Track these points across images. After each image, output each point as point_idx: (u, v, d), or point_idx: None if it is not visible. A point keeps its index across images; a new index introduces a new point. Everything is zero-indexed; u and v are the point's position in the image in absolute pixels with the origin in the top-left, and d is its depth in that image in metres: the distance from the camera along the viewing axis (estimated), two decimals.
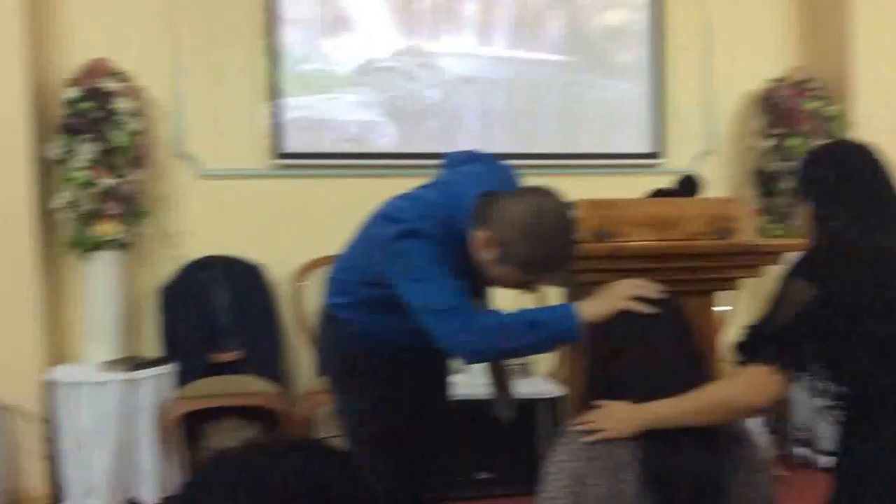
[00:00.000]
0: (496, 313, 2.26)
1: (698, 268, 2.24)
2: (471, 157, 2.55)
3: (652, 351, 1.98)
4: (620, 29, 4.73)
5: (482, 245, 2.16)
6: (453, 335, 2.16)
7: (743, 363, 1.91)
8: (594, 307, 2.09)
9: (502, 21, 4.58)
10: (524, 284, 2.26)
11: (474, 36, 4.56)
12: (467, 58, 4.56)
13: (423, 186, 2.40)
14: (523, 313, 2.18)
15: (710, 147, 4.80)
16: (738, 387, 1.92)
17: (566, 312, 2.13)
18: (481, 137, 4.54)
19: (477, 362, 2.46)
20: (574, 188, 4.30)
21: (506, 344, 2.18)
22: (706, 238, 2.23)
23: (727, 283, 2.33)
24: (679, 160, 4.69)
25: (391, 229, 2.21)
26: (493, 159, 2.53)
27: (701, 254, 2.23)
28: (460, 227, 2.20)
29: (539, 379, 4.09)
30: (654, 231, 2.23)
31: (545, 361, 4.13)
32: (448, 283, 2.16)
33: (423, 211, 2.23)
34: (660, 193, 2.38)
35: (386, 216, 2.28)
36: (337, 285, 2.48)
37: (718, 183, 4.66)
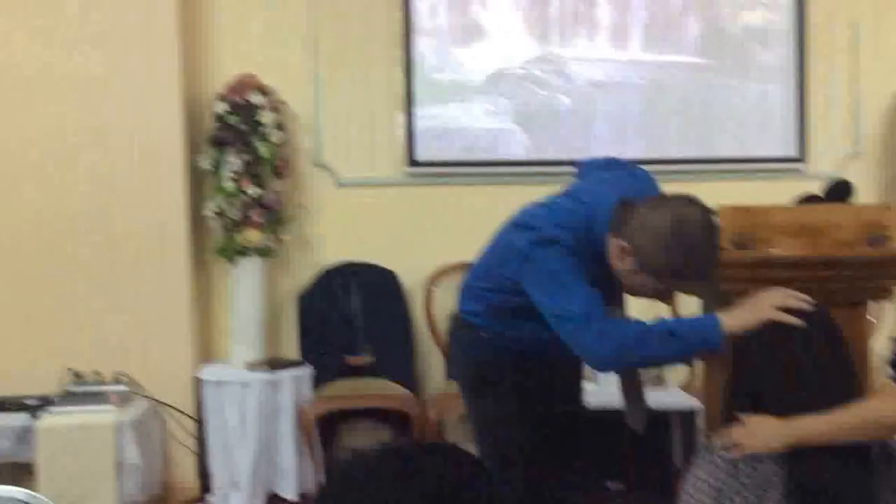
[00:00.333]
0: (633, 322, 2.23)
1: (849, 277, 2.14)
2: (608, 164, 2.54)
3: (799, 364, 1.92)
4: (761, 29, 4.58)
5: (619, 254, 2.15)
6: (587, 343, 2.15)
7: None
8: (738, 317, 2.04)
9: (636, 24, 4.51)
10: (661, 294, 2.23)
11: (607, 40, 4.51)
12: (600, 63, 4.51)
13: (559, 194, 2.39)
14: (663, 322, 2.16)
15: (856, 150, 4.59)
16: (890, 404, 1.84)
17: (709, 322, 2.09)
18: (614, 143, 4.47)
19: (612, 370, 2.43)
20: (712, 194, 4.20)
21: (643, 353, 2.15)
22: (858, 246, 2.13)
23: (880, 294, 2.22)
24: (823, 164, 4.50)
25: (526, 237, 2.22)
26: (631, 165, 2.52)
27: (852, 263, 2.13)
28: (597, 235, 2.19)
29: (673, 389, 4.00)
30: (801, 239, 2.14)
31: (679, 372, 4.05)
32: (582, 290, 2.15)
33: (559, 219, 2.22)
34: (807, 199, 2.29)
35: (521, 224, 2.29)
36: (470, 292, 2.50)
37: (865, 187, 4.43)
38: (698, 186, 4.26)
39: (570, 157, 4.34)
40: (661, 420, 3.75)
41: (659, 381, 3.95)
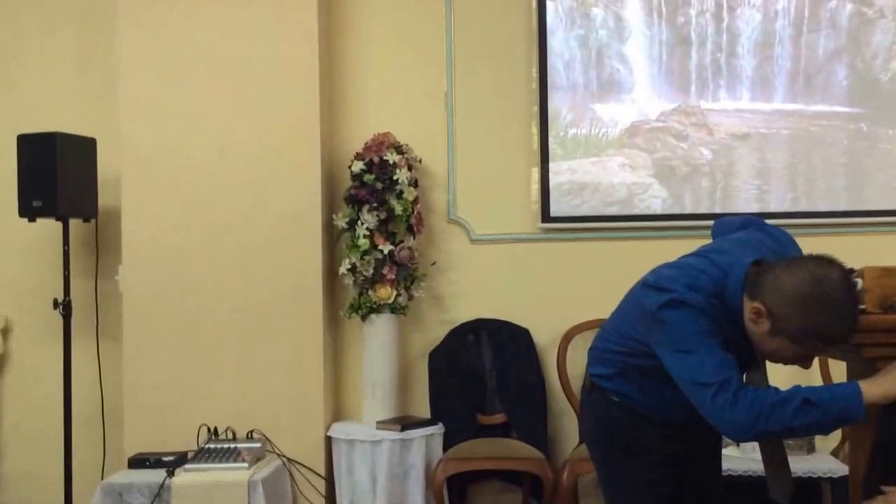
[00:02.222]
0: (769, 389, 2.11)
1: None
2: (744, 223, 2.46)
3: None
4: None
5: (754, 316, 2.06)
6: (720, 411, 2.05)
7: None
8: (882, 386, 1.95)
9: (780, 74, 4.37)
10: (799, 359, 2.10)
11: (749, 91, 4.38)
12: (741, 114, 4.38)
13: (693, 254, 2.31)
14: (801, 390, 2.03)
15: None
16: None
17: (850, 391, 1.98)
18: (757, 197, 4.35)
19: (747, 440, 2.29)
20: (861, 249, 4.10)
21: (779, 423, 2.03)
22: None
23: None
24: None
25: (657, 299, 2.14)
26: (767, 225, 2.42)
27: None
28: (731, 297, 2.11)
29: (822, 455, 3.75)
30: None
31: (830, 436, 3.79)
32: (716, 355, 2.06)
33: (692, 280, 2.14)
34: None
35: (652, 285, 2.21)
36: (600, 355, 2.44)
37: None
38: (847, 240, 4.18)
39: (709, 211, 4.28)
40: (809, 488, 3.51)
41: (808, 447, 3.72)
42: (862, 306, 2.04)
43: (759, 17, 4.38)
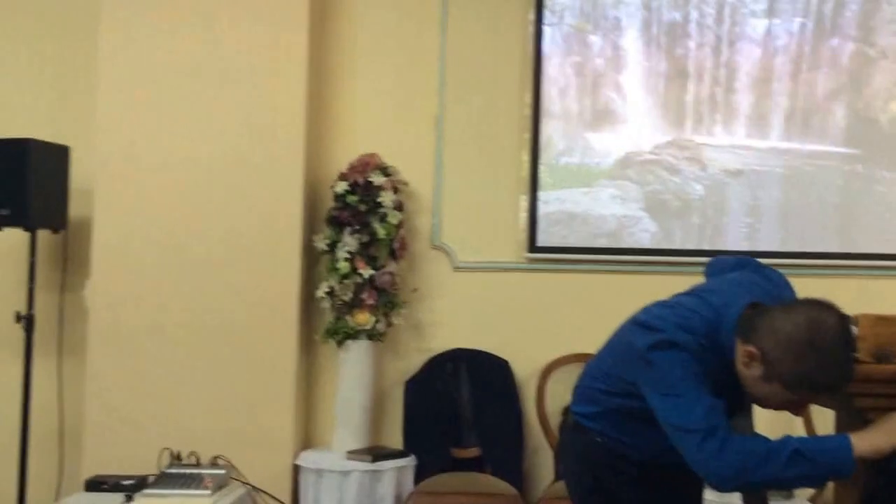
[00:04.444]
0: (757, 439, 2.03)
1: None
2: (739, 263, 2.41)
3: None
4: None
5: (746, 360, 1.99)
6: (706, 459, 1.98)
7: None
8: (872, 440, 1.89)
9: (777, 111, 4.29)
10: (791, 405, 2.04)
11: (744, 127, 4.30)
12: (736, 150, 4.30)
13: (686, 293, 2.25)
14: (790, 441, 1.96)
15: None
16: None
17: (840, 444, 1.91)
18: (747, 235, 4.26)
19: (731, 490, 2.19)
20: (854, 293, 4.01)
21: (766, 475, 1.96)
22: None
23: None
24: None
25: (646, 338, 2.08)
26: (763, 267, 2.37)
27: None
28: (724, 340, 2.04)
29: (801, 502, 3.64)
30: None
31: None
32: (704, 401, 1.99)
33: (683, 321, 2.07)
34: None
35: (642, 323, 2.14)
36: (585, 393, 2.37)
37: None
38: (838, 283, 4.08)
39: (699, 247, 4.19)
40: None
41: (786, 492, 3.62)
42: (856, 354, 1.95)
43: (759, 53, 4.31)
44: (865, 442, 1.87)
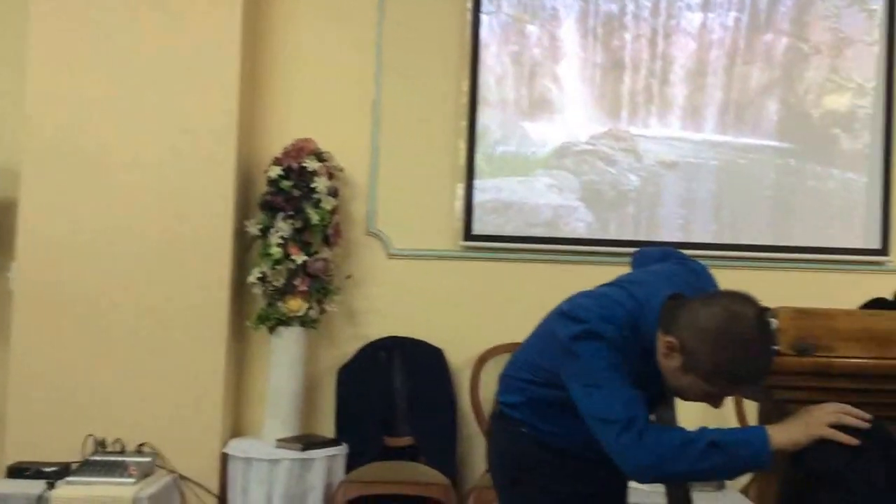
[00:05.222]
0: (675, 431, 2.04)
1: None
2: (664, 255, 2.42)
3: (852, 489, 1.75)
4: (846, 114, 4.34)
5: (666, 352, 1.99)
6: (623, 450, 1.98)
7: None
8: (789, 432, 1.88)
9: (711, 104, 4.33)
10: (710, 397, 2.03)
11: (679, 120, 4.33)
12: (671, 142, 4.33)
13: (610, 284, 2.24)
14: (707, 432, 1.96)
15: None
16: None
17: (757, 436, 1.91)
18: (681, 226, 4.30)
19: (649, 482, 2.20)
20: (786, 285, 4.07)
21: (683, 466, 1.95)
22: None
23: None
24: None
25: (570, 329, 2.07)
26: (686, 258, 2.38)
27: None
28: (646, 331, 2.04)
29: (732, 493, 3.70)
30: (867, 347, 1.98)
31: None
32: (624, 392, 1.99)
33: (607, 312, 2.07)
34: (875, 304, 2.06)
35: (566, 314, 2.14)
36: (511, 383, 2.36)
37: None
38: (769, 275, 4.15)
39: (634, 238, 4.22)
40: None
41: (717, 484, 3.67)
42: (775, 347, 1.96)
43: (694, 46, 4.34)
44: (782, 434, 1.87)
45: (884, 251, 4.26)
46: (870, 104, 4.33)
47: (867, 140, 4.32)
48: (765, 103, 4.35)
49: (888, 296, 2.12)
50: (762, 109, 4.35)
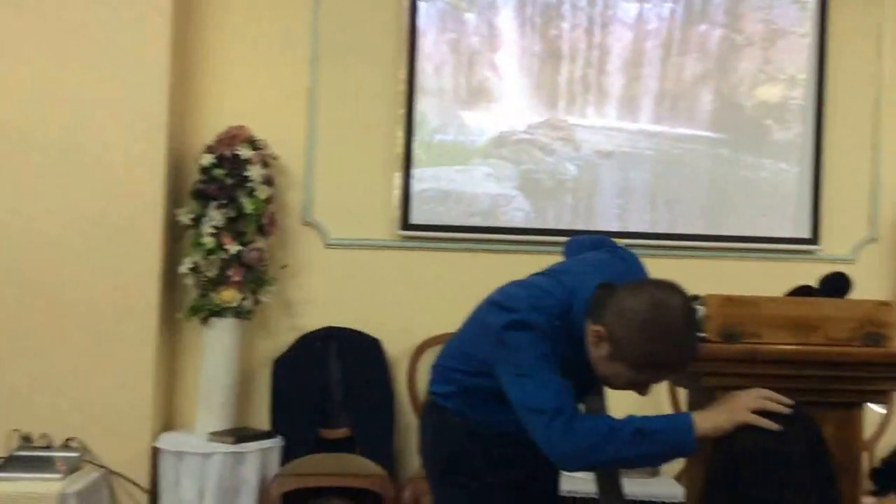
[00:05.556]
0: (602, 419, 2.06)
1: (843, 378, 2.00)
2: (595, 243, 2.44)
3: (777, 472, 1.77)
4: (778, 105, 4.40)
5: (595, 340, 2.01)
6: (551, 439, 1.98)
7: (875, 493, 1.63)
8: (713, 419, 1.90)
9: (646, 95, 4.36)
10: (636, 385, 2.04)
11: (615, 109, 4.35)
12: (608, 132, 4.36)
13: (541, 273, 2.25)
14: (633, 420, 1.97)
15: (872, 234, 4.37)
16: None
17: (682, 423, 1.93)
18: (618, 216, 4.31)
19: (576, 470, 2.21)
20: (719, 273, 4.11)
21: (610, 454, 1.97)
22: (853, 344, 1.99)
23: (876, 396, 2.08)
24: (838, 247, 4.33)
25: (501, 318, 2.07)
26: (618, 247, 2.40)
27: (846, 362, 1.99)
28: (575, 320, 2.05)
29: (666, 479, 3.74)
30: (792, 333, 2.00)
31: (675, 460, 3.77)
32: (553, 382, 2.00)
33: (537, 301, 2.08)
34: (801, 291, 2.08)
35: (497, 303, 2.14)
36: (442, 373, 2.35)
37: (879, 274, 4.26)
38: (704, 264, 4.19)
39: (571, 227, 4.23)
40: None
41: (651, 470, 3.71)
42: (703, 334, 1.99)
43: (631, 36, 4.36)
44: (707, 420, 1.89)
45: (814, 240, 4.33)
46: (801, 95, 4.39)
47: (798, 131, 4.39)
48: (699, 94, 4.39)
49: (814, 283, 2.14)
50: (696, 100, 4.39)
